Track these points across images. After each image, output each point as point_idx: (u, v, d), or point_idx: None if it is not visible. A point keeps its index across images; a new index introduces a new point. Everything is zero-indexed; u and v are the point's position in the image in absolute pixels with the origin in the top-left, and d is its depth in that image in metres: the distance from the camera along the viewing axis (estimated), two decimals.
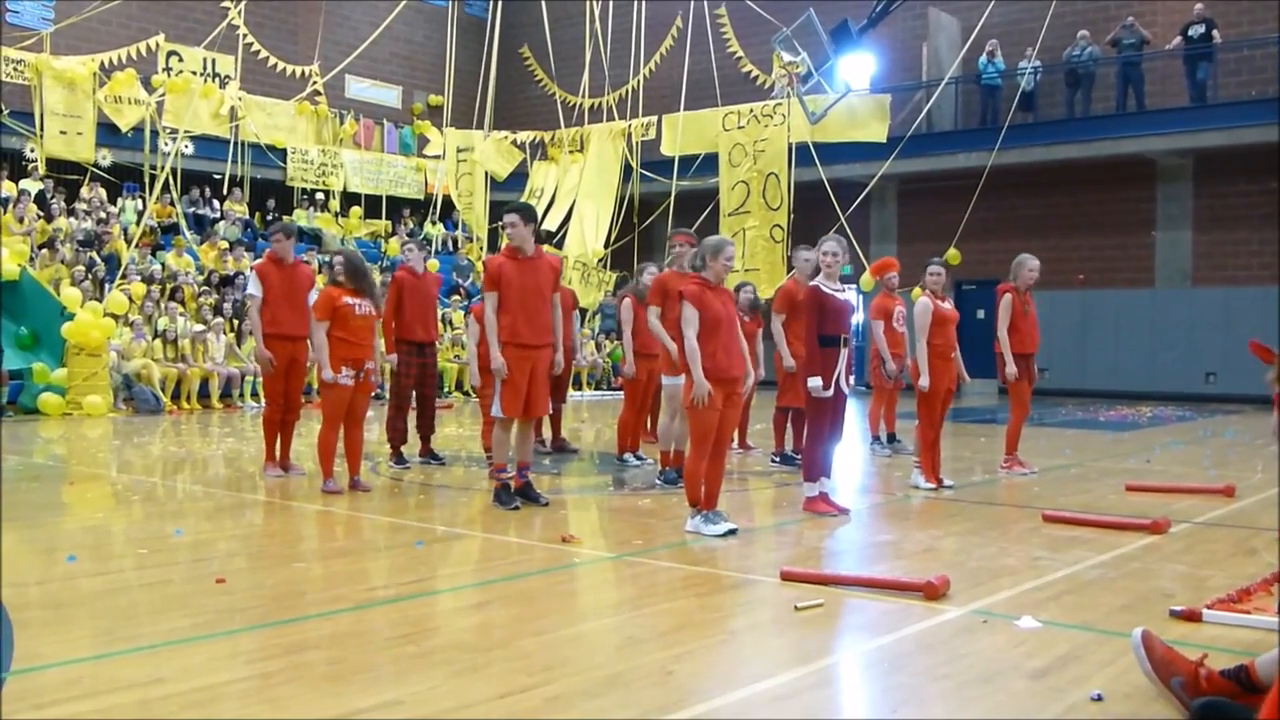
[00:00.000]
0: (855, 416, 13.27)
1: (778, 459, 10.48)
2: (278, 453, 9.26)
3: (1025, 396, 9.99)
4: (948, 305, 9.02)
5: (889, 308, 10.78)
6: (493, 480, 7.93)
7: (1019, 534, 6.88)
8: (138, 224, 19.48)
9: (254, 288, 9.22)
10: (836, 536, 7.15)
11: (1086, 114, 21.54)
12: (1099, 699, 3.74)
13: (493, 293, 7.64)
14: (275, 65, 25.69)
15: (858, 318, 10.42)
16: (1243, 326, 19.98)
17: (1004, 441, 10.14)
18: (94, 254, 18.70)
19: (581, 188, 24.83)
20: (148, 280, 18.34)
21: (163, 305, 17.65)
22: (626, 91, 24.97)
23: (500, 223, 8.90)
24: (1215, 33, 20.19)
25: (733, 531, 6.69)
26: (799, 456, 10.33)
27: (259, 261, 9.75)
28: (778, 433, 10.63)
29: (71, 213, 20.16)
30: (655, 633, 4.61)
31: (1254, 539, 6.74)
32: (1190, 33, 20.35)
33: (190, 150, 22.30)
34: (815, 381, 7.41)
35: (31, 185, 20.25)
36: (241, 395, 17.38)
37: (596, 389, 22.02)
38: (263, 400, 16.95)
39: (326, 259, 19.73)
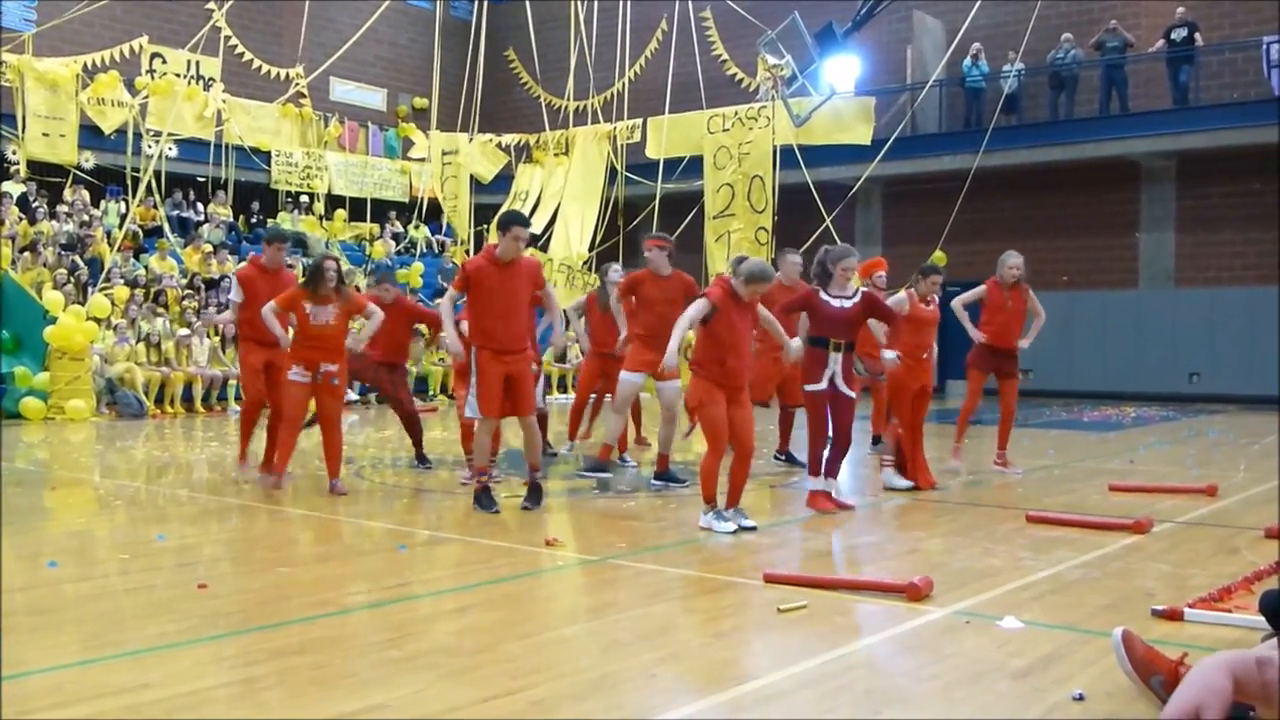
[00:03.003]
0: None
1: (782, 457, 10.52)
2: (253, 456, 9.30)
3: (977, 386, 10.16)
4: (929, 308, 9.07)
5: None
6: (474, 483, 7.94)
7: (1003, 535, 6.91)
8: (120, 227, 19.41)
9: (235, 294, 9.28)
10: (820, 538, 7.17)
11: (1070, 116, 21.62)
12: (1081, 698, 3.76)
13: (460, 292, 7.69)
14: (259, 67, 25.64)
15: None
16: (1226, 327, 20.12)
17: (997, 437, 10.24)
18: (76, 257, 18.62)
19: (566, 190, 24.86)
20: (131, 284, 18.27)
21: (144, 308, 17.57)
22: (611, 94, 25.00)
23: (486, 226, 8.92)
24: (1198, 36, 20.29)
25: (752, 529, 6.93)
26: (782, 457, 10.45)
27: (242, 267, 9.74)
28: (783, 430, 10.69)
29: (54, 215, 20.07)
30: (639, 636, 4.61)
31: (1236, 538, 6.78)
32: (1173, 36, 20.44)
33: (174, 153, 22.21)
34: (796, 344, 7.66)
35: (14, 188, 20.15)
36: (224, 399, 17.32)
37: None
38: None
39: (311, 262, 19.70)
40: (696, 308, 7.00)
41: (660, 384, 9.24)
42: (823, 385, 7.74)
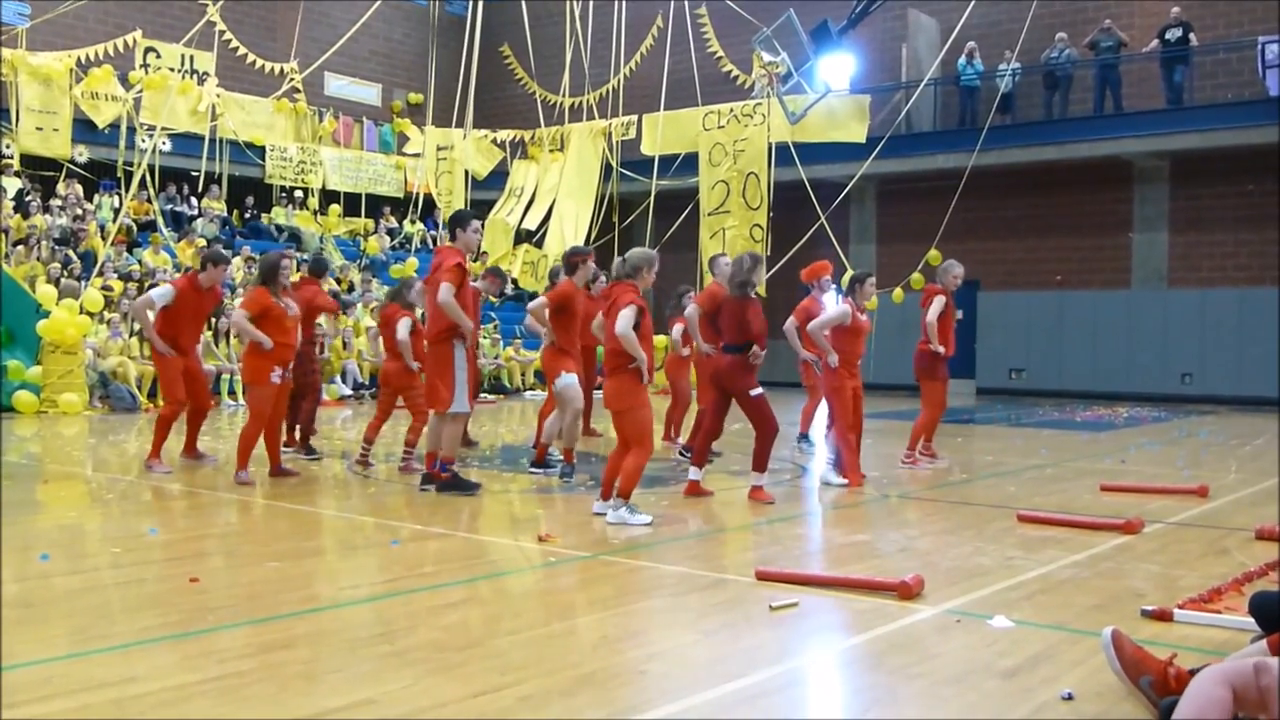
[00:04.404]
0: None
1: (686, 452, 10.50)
2: (165, 445, 9.66)
3: (942, 395, 10.49)
4: (864, 318, 9.37)
5: (812, 310, 10.86)
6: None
7: (994, 534, 6.92)
8: (114, 221, 19.36)
9: (164, 297, 9.52)
10: (812, 536, 7.19)
11: (1064, 116, 21.63)
12: (1069, 698, 3.76)
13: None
14: (254, 62, 25.58)
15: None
16: (1218, 328, 20.14)
17: (910, 436, 10.46)
18: (70, 251, 18.58)
19: (561, 187, 24.85)
20: (124, 278, 18.23)
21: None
22: (607, 91, 24.98)
23: (481, 221, 9.08)
24: (1192, 36, 20.30)
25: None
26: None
27: (180, 278, 9.90)
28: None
29: (47, 210, 20.02)
30: (629, 632, 4.62)
31: (1226, 539, 6.79)
32: (1167, 36, 20.46)
33: (168, 147, 22.19)
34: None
35: (10, 183, 20.09)
36: (217, 392, 17.26)
37: None
38: (240, 399, 17.01)
39: (305, 258, 19.70)
40: (630, 314, 7.18)
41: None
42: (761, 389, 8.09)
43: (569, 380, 9.21)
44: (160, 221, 21.31)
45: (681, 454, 10.44)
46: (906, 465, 10.19)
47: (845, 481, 8.89)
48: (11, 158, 20.67)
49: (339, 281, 21.74)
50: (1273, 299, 19.25)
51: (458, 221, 8.26)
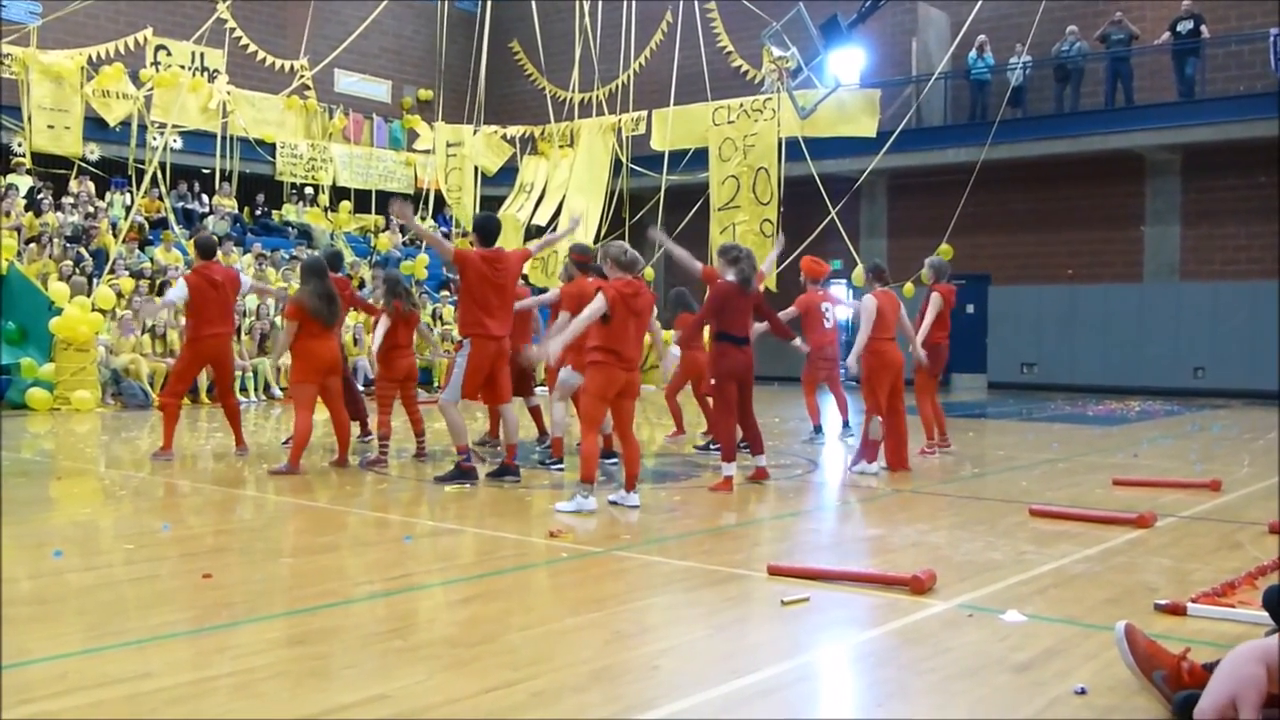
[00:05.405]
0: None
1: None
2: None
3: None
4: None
5: (814, 302, 11.45)
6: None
7: (1006, 528, 6.90)
8: (126, 219, 19.41)
9: (178, 294, 9.91)
10: (824, 531, 7.18)
11: (1075, 109, 21.57)
12: (1082, 692, 3.75)
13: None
14: (264, 59, 25.62)
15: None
16: (1230, 321, 20.07)
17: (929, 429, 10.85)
18: (82, 249, 18.64)
19: (571, 182, 24.83)
20: (136, 275, 18.29)
21: (145, 300, 17.56)
22: (616, 86, 24.98)
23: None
24: (1203, 28, 20.23)
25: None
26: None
27: (190, 273, 10.24)
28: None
29: (59, 207, 20.08)
30: (642, 627, 4.62)
31: (1239, 533, 6.77)
32: (1179, 28, 20.39)
33: (178, 145, 22.24)
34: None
35: (21, 181, 20.15)
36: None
37: None
38: (252, 395, 17.06)
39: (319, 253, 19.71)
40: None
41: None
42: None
43: (576, 377, 9.34)
44: (172, 219, 21.35)
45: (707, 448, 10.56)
46: (928, 454, 10.45)
47: (880, 468, 9.29)
48: (23, 156, 20.73)
49: (350, 279, 21.76)
50: None
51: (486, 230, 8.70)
